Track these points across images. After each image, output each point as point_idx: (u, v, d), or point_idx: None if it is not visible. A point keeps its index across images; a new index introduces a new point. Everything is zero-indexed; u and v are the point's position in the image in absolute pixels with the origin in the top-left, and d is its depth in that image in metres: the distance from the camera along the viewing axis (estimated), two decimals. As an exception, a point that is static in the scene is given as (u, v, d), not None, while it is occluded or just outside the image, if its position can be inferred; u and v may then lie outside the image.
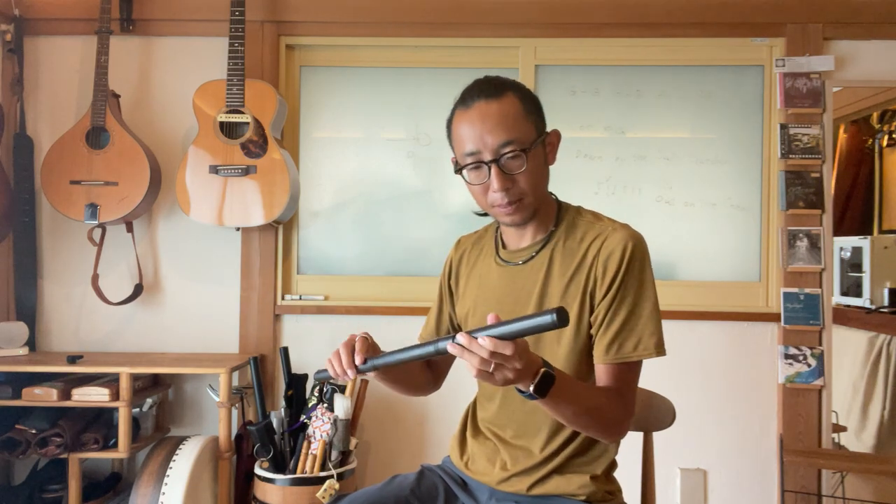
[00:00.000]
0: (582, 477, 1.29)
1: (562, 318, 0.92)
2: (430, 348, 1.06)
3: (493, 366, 1.00)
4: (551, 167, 1.35)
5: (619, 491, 1.36)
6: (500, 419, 1.35)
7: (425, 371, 1.48)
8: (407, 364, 1.27)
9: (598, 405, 1.19)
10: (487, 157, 1.23)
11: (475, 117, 1.24)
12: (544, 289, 1.30)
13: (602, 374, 1.25)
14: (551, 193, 1.37)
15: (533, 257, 1.32)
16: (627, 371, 1.24)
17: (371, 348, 1.21)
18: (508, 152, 1.22)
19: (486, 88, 1.26)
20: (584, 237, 1.30)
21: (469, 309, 1.41)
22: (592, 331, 1.27)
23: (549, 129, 1.32)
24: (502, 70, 2.72)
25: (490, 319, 1.01)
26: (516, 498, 1.31)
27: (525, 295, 1.31)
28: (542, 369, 1.06)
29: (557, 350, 1.28)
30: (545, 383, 1.06)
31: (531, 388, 1.06)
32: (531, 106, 1.28)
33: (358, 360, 1.17)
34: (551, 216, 1.34)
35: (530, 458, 1.31)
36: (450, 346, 1.02)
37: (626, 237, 1.26)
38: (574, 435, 1.30)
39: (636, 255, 1.25)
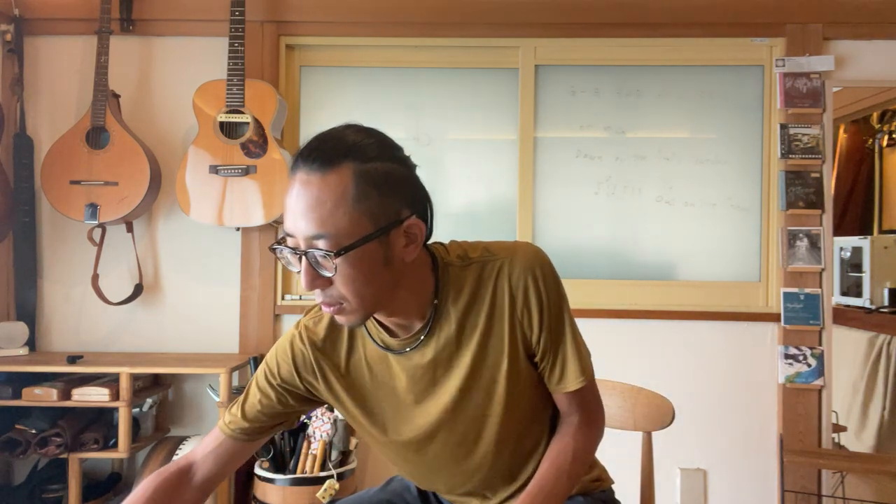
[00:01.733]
0: None
1: None
2: None
3: None
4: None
5: (604, 471, 1.34)
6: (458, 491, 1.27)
7: (213, 474, 1.18)
8: None
9: (572, 469, 1.15)
10: (300, 245, 0.96)
11: (293, 190, 0.96)
12: (457, 359, 1.11)
13: (563, 400, 1.18)
14: (426, 248, 1.10)
15: (422, 340, 1.10)
16: (585, 392, 1.17)
17: None
18: (318, 250, 0.94)
19: (317, 154, 0.95)
20: (480, 283, 1.10)
21: (375, 410, 1.18)
22: (540, 369, 1.15)
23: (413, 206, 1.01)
24: (502, 70, 2.77)
25: None
26: None
27: (441, 376, 1.13)
28: None
29: (495, 400, 1.14)
30: None
31: None
32: (372, 186, 0.95)
33: None
34: (428, 289, 1.09)
35: (511, 486, 1.24)
36: None
37: (529, 263, 1.09)
38: (543, 451, 1.23)
39: (549, 278, 1.10)
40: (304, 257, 0.96)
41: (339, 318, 1.03)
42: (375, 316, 1.10)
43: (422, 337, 1.10)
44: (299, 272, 0.98)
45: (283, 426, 1.23)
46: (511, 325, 1.10)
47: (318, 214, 0.94)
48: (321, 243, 0.94)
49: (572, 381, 1.14)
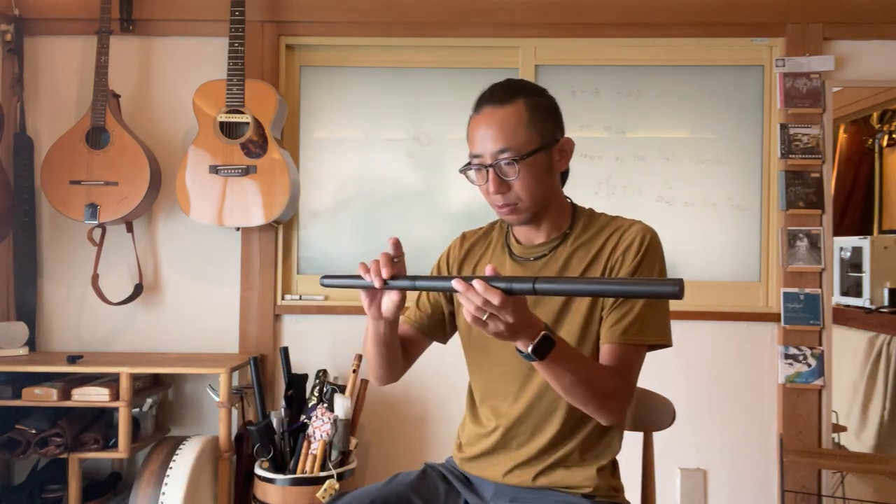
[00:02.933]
0: (587, 469, 1.29)
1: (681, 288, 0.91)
2: (443, 283, 1.10)
3: (486, 315, 1.03)
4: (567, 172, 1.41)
5: (623, 488, 1.36)
6: (509, 415, 1.34)
7: (401, 351, 1.45)
8: (395, 338, 1.36)
9: (596, 377, 1.20)
10: (487, 161, 1.28)
11: (480, 122, 1.30)
12: None
13: (605, 353, 1.27)
14: (567, 197, 1.41)
15: (546, 255, 1.35)
16: (630, 354, 1.26)
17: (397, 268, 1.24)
18: (503, 159, 1.27)
19: (497, 94, 1.31)
20: (600, 232, 1.34)
21: None
22: (603, 312, 1.29)
23: (565, 135, 1.36)
24: (502, 70, 2.75)
25: (487, 271, 1.06)
26: (521, 492, 1.31)
27: (537, 297, 1.29)
28: (543, 332, 1.09)
29: (566, 334, 1.29)
30: (544, 346, 1.09)
31: (529, 349, 1.08)
32: (539, 114, 1.30)
33: (385, 273, 1.20)
34: (566, 217, 1.38)
35: (537, 448, 1.31)
36: (455, 283, 1.05)
37: (644, 229, 1.32)
38: (581, 429, 1.30)
39: (653, 246, 1.30)
40: (491, 169, 1.28)
41: (512, 218, 1.33)
42: (516, 231, 1.40)
43: (546, 251, 1.35)
44: (484, 184, 1.30)
45: (445, 330, 1.49)
46: (604, 271, 1.30)
47: (504, 133, 1.27)
48: (506, 155, 1.27)
49: (628, 332, 1.24)
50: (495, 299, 1.01)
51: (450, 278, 1.06)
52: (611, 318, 1.27)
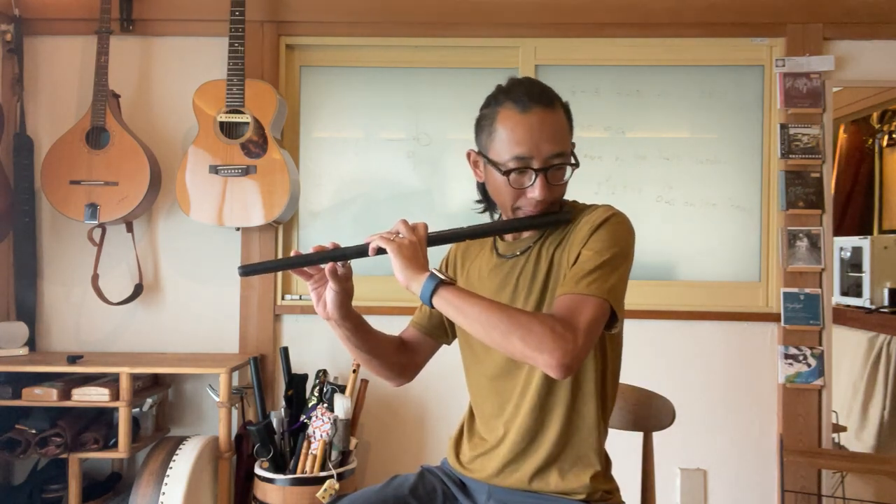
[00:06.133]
0: (581, 478, 1.29)
1: None
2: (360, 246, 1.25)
3: (394, 236, 1.21)
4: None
5: (617, 490, 1.35)
6: (500, 420, 1.34)
7: (399, 351, 1.45)
8: (376, 336, 1.39)
9: (518, 313, 1.14)
10: (536, 164, 1.24)
11: (534, 123, 1.23)
12: (535, 274, 1.30)
13: (553, 306, 1.20)
14: None
15: (530, 248, 1.32)
16: (576, 302, 1.15)
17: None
18: (556, 164, 1.24)
19: (543, 96, 1.25)
20: (573, 220, 1.31)
21: None
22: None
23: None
24: (502, 70, 2.76)
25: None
26: (515, 494, 1.31)
27: (523, 283, 1.31)
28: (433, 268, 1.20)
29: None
30: (438, 275, 1.17)
31: (431, 271, 1.17)
32: (571, 120, 1.31)
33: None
34: None
35: (531, 456, 1.30)
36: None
37: (607, 208, 1.29)
38: (575, 438, 1.29)
39: (615, 222, 1.25)
40: (542, 175, 1.24)
41: None
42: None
43: (530, 244, 1.33)
44: (525, 187, 1.25)
45: (446, 331, 1.48)
46: (570, 249, 1.25)
47: (559, 138, 1.25)
48: (559, 160, 1.25)
49: (575, 284, 1.17)
50: (411, 223, 1.22)
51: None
52: (564, 280, 1.22)
